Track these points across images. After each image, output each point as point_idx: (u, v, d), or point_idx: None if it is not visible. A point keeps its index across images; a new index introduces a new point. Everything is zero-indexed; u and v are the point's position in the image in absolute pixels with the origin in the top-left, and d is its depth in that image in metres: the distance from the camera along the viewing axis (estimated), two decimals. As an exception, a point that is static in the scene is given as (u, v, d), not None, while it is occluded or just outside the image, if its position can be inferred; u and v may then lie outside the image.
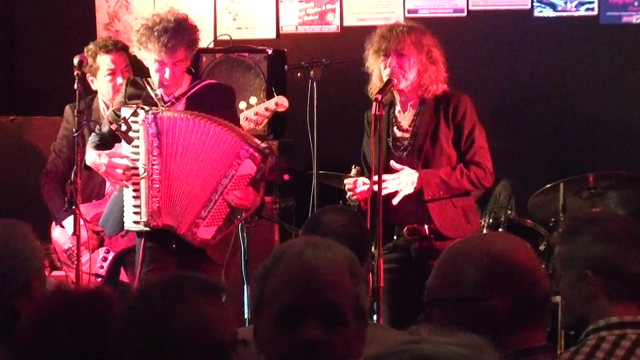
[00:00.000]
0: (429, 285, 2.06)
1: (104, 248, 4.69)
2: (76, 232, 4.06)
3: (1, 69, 6.36)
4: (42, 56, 6.28)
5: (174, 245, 4.09)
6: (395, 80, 4.09)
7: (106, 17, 6.25)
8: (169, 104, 4.13)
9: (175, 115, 4.05)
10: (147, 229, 4.06)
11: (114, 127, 3.99)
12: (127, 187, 4.05)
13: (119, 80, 4.73)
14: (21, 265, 2.67)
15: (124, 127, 3.98)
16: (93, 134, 4.24)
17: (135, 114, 4.01)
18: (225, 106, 4.19)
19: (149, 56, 4.06)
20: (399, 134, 4.23)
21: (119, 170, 4.01)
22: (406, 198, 4.10)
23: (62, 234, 4.72)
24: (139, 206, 4.04)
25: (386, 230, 3.95)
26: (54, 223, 4.76)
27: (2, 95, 6.35)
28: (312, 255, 1.91)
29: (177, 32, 4.02)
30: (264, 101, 4.95)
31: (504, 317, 1.97)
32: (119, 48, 4.80)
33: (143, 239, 4.11)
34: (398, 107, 4.26)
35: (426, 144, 4.14)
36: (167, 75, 4.05)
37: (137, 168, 4.03)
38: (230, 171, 4.01)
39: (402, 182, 4.06)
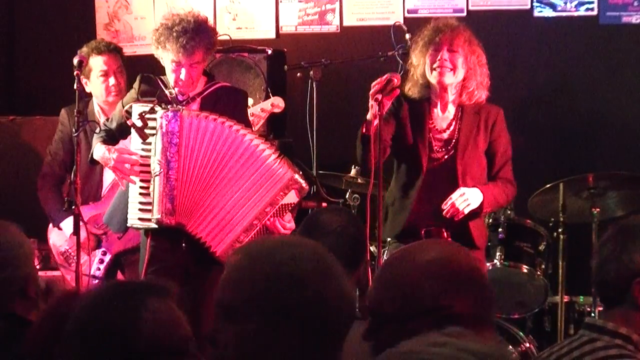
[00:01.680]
0: (378, 302, 1.97)
1: (101, 250, 4.69)
2: (76, 233, 4.06)
3: (1, 69, 6.36)
4: (42, 56, 6.28)
5: (184, 244, 4.05)
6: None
7: (106, 17, 6.25)
8: (183, 103, 4.10)
9: (200, 115, 4.00)
10: (155, 226, 4.00)
11: (129, 122, 3.95)
12: (134, 182, 4.03)
13: (112, 81, 4.73)
14: (19, 266, 2.66)
15: (139, 123, 3.94)
16: (99, 129, 4.23)
17: (152, 110, 3.97)
18: (238, 110, 4.16)
19: (167, 56, 4.03)
20: (435, 134, 4.17)
21: (128, 165, 4.00)
22: (426, 200, 4.08)
23: (59, 236, 4.72)
24: (149, 203, 3.98)
25: (403, 232, 3.92)
26: (50, 225, 4.75)
27: (2, 95, 6.35)
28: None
29: (195, 34, 3.99)
30: (261, 102, 4.95)
31: (470, 323, 1.91)
32: (111, 49, 4.80)
33: (149, 238, 4.08)
34: (437, 107, 4.18)
35: (468, 150, 4.11)
36: (182, 76, 4.02)
37: (147, 165, 4.00)
38: (276, 200, 3.98)
39: (470, 200, 4.04)
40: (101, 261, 4.68)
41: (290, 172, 3.98)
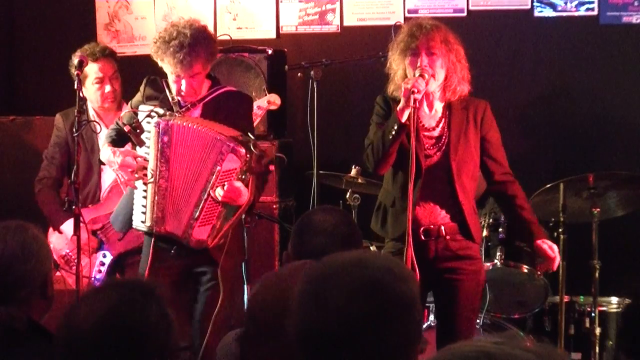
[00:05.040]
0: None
1: (102, 252, 4.69)
2: (76, 233, 4.06)
3: (1, 69, 6.36)
4: (42, 56, 6.28)
5: (172, 251, 4.11)
6: (421, 88, 3.92)
7: (106, 17, 6.25)
8: (184, 108, 4.12)
9: (185, 124, 4.04)
10: (152, 231, 4.10)
11: (127, 129, 3.99)
12: (136, 188, 4.07)
13: (107, 88, 4.72)
14: (39, 265, 2.72)
15: (136, 130, 3.99)
16: (110, 128, 4.27)
17: (149, 117, 4.02)
18: (241, 115, 4.17)
19: (166, 67, 4.06)
20: (425, 132, 4.15)
21: (130, 170, 4.03)
22: (425, 200, 4.07)
23: (59, 239, 4.71)
24: (145, 206, 4.08)
25: (404, 232, 3.91)
26: (50, 229, 4.75)
27: (2, 95, 6.35)
28: None
29: (193, 48, 3.97)
30: (257, 100, 4.95)
31: None
32: (106, 55, 4.77)
33: (154, 238, 4.14)
34: (424, 106, 4.14)
35: (460, 146, 4.09)
36: (183, 88, 4.05)
37: (146, 169, 4.06)
38: (215, 168, 4.00)
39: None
40: (102, 263, 4.68)
41: (221, 138, 3.99)
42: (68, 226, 4.54)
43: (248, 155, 3.99)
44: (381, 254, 1.88)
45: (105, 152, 4.12)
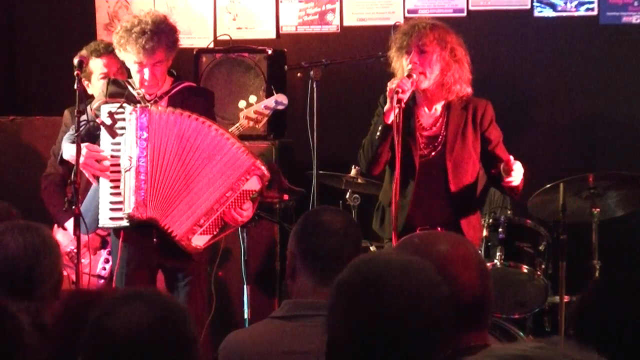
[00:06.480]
0: None
1: (106, 249, 4.69)
2: (76, 232, 4.06)
3: (1, 69, 6.36)
4: (42, 56, 6.28)
5: (155, 239, 4.09)
6: (406, 88, 3.97)
7: (106, 17, 6.25)
8: (151, 102, 4.16)
9: (167, 110, 4.08)
10: (127, 223, 4.05)
11: (99, 120, 4.02)
12: (108, 177, 4.06)
13: None
14: (54, 264, 2.74)
15: (109, 122, 4.00)
16: (69, 133, 4.25)
17: (121, 107, 4.05)
18: (204, 109, 4.22)
19: (129, 58, 4.11)
20: (422, 131, 4.18)
21: (97, 163, 4.03)
22: (421, 199, 4.07)
23: (64, 236, 4.71)
24: (120, 202, 4.04)
25: (401, 232, 3.92)
26: (55, 226, 4.75)
27: (2, 95, 6.35)
28: None
29: (154, 34, 4.05)
30: (264, 99, 4.96)
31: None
32: (110, 51, 4.80)
33: (121, 239, 4.12)
34: (423, 106, 4.18)
35: (456, 145, 4.10)
36: (146, 76, 4.09)
37: (117, 165, 4.05)
38: (238, 185, 4.05)
39: (519, 175, 4.04)
40: (106, 261, 4.69)
41: (252, 159, 4.07)
42: (72, 224, 4.54)
43: (268, 182, 4.06)
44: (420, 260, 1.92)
45: (69, 149, 4.12)
